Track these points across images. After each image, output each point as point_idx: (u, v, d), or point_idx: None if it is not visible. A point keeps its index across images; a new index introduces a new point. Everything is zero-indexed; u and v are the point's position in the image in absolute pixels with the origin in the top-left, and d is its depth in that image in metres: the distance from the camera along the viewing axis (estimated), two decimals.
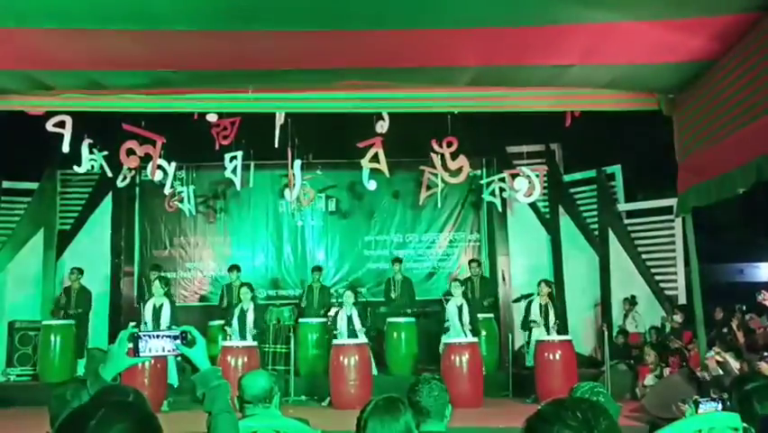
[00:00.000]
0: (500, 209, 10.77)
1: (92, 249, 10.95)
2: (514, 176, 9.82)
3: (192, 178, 10.98)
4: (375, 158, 8.70)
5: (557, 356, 8.08)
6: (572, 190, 11.37)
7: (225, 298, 9.98)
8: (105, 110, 7.17)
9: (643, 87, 6.80)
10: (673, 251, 10.39)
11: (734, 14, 5.07)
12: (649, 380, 8.12)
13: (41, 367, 9.32)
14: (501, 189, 10.28)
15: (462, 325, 8.67)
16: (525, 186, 9.48)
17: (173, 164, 9.18)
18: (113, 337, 9.16)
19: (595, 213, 11.10)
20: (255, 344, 8.38)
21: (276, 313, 9.93)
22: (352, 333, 8.69)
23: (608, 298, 10.71)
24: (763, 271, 14.92)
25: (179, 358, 2.93)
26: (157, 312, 8.31)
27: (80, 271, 9.94)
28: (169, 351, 2.11)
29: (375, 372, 8.60)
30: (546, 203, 11.35)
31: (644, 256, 10.67)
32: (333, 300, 10.07)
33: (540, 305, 8.92)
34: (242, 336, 8.50)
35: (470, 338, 8.54)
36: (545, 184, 10.28)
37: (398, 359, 9.28)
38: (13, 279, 10.52)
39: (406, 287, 10.25)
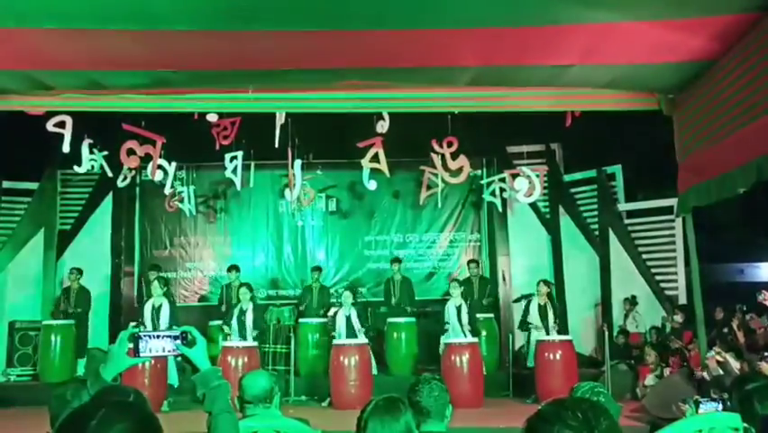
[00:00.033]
0: (501, 209, 10.78)
1: (92, 249, 10.95)
2: (514, 176, 9.83)
3: (192, 178, 10.99)
4: (375, 158, 8.70)
5: (557, 356, 8.08)
6: (573, 190, 11.37)
7: (224, 298, 9.98)
8: (105, 110, 7.18)
9: (643, 87, 6.81)
10: (674, 251, 10.40)
11: (734, 14, 5.07)
12: (649, 380, 8.11)
13: (42, 367, 9.32)
14: (501, 189, 10.29)
15: (462, 325, 8.67)
16: (526, 186, 9.48)
17: (173, 164, 9.18)
18: (113, 337, 9.17)
19: (595, 213, 11.10)
20: (255, 344, 8.38)
21: (276, 313, 9.94)
22: (351, 333, 8.68)
23: (608, 298, 10.71)
24: (764, 271, 14.93)
25: (179, 358, 2.93)
26: (156, 312, 8.30)
27: (79, 272, 9.94)
28: (169, 351, 2.11)
29: (375, 371, 8.59)
30: (547, 203, 11.35)
31: (644, 256, 10.67)
32: (334, 300, 10.07)
33: (539, 305, 8.91)
34: (242, 337, 8.50)
35: (471, 338, 8.54)
36: (546, 184, 10.28)
37: (399, 359, 9.28)
38: (13, 279, 10.52)
39: (405, 287, 10.24)
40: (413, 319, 9.62)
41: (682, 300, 10.00)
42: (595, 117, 7.52)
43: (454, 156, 8.95)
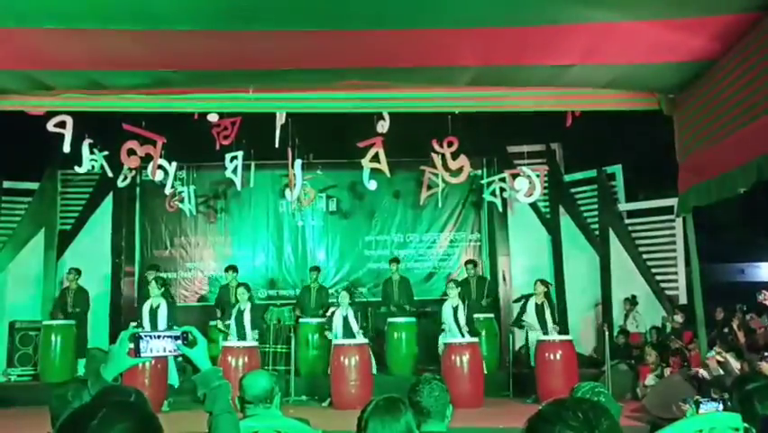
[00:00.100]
0: (501, 209, 10.79)
1: (92, 249, 10.95)
2: (514, 176, 9.83)
3: (193, 178, 10.99)
4: (376, 158, 8.69)
5: (558, 356, 8.07)
6: (573, 190, 11.37)
7: (221, 298, 9.98)
8: (105, 110, 7.18)
9: (643, 87, 6.81)
10: (674, 251, 10.39)
11: (734, 14, 5.07)
12: (650, 380, 8.11)
13: (42, 367, 9.32)
14: (502, 189, 10.30)
15: (459, 326, 8.64)
16: (526, 186, 9.48)
17: (174, 164, 9.18)
18: (113, 337, 9.19)
19: (595, 213, 11.10)
20: (256, 344, 8.37)
21: (276, 313, 9.94)
22: (348, 333, 8.66)
23: (608, 298, 10.71)
24: (764, 271, 14.93)
25: (180, 358, 2.93)
26: (153, 313, 8.27)
27: (78, 272, 9.94)
28: (170, 351, 2.11)
29: (375, 370, 8.59)
30: (547, 203, 11.35)
31: (644, 256, 10.67)
32: (333, 300, 10.06)
33: (536, 304, 8.91)
34: (240, 337, 8.49)
35: (471, 338, 8.53)
36: (546, 184, 10.27)
37: (399, 359, 9.28)
38: (13, 279, 10.52)
39: (403, 287, 10.24)
40: (413, 319, 9.62)
41: (683, 300, 10.00)
42: (595, 117, 7.52)
43: (455, 156, 8.95)
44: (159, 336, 2.12)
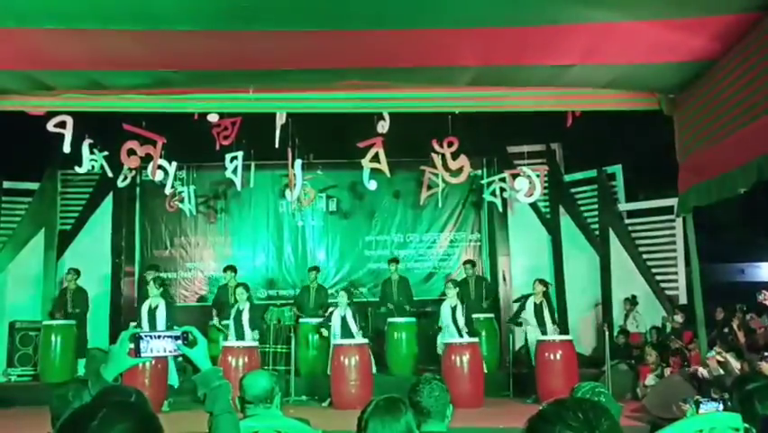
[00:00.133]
0: (501, 209, 10.79)
1: (93, 249, 10.95)
2: (514, 176, 9.83)
3: (193, 178, 10.98)
4: (376, 158, 8.69)
5: (558, 356, 8.08)
6: (573, 190, 11.37)
7: (219, 298, 9.97)
8: (105, 110, 7.18)
9: (643, 87, 6.81)
10: (674, 251, 10.39)
11: (734, 14, 5.07)
12: (650, 380, 8.11)
13: (42, 367, 9.32)
14: (502, 189, 10.30)
15: (458, 327, 8.64)
16: (526, 186, 9.48)
17: (174, 164, 9.18)
18: (113, 338, 9.19)
19: (595, 213, 11.09)
20: (256, 344, 8.37)
21: (276, 313, 9.93)
22: (347, 333, 8.65)
23: (608, 297, 10.70)
24: (764, 271, 14.93)
25: (180, 358, 2.93)
26: (152, 313, 8.27)
27: (77, 272, 9.94)
28: (170, 351, 2.11)
29: (375, 370, 8.58)
30: (547, 203, 11.34)
31: (644, 256, 10.67)
32: (333, 300, 10.05)
33: (534, 304, 8.91)
34: (239, 337, 8.48)
35: (471, 338, 8.53)
36: (546, 184, 10.27)
37: (399, 359, 9.28)
38: (13, 279, 10.52)
39: (403, 287, 10.23)
40: (413, 319, 9.62)
41: (683, 300, 9.99)
42: (595, 117, 7.52)
43: (455, 156, 8.95)
44: (159, 336, 2.12)
